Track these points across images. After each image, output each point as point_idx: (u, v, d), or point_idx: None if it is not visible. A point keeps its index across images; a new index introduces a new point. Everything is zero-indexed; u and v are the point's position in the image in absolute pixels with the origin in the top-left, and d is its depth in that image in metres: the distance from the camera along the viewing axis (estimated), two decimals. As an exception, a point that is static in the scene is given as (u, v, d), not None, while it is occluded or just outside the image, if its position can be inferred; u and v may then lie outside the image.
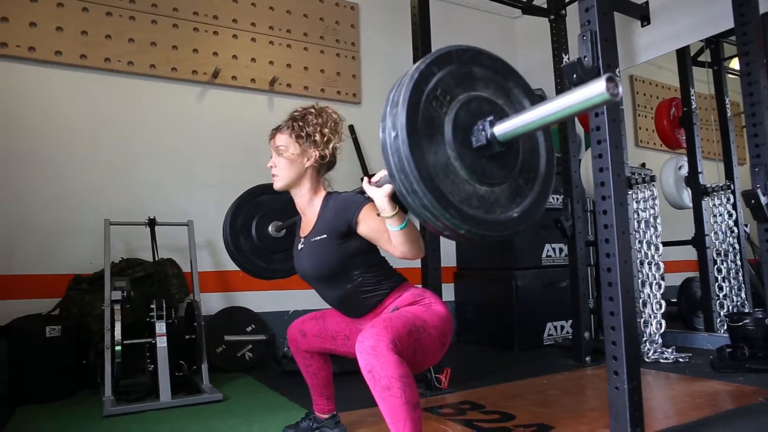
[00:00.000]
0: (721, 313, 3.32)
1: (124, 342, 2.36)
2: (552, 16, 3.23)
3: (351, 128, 3.76)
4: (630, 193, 3.06)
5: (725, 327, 3.03)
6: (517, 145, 1.09)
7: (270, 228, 2.06)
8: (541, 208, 1.12)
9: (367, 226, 1.49)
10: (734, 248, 3.39)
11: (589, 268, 3.29)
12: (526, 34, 4.60)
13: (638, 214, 3.04)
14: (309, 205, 1.68)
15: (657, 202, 3.02)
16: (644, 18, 3.23)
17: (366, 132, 3.84)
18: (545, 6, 3.28)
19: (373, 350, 1.28)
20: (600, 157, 1.66)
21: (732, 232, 3.40)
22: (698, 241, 3.52)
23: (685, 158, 3.60)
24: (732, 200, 3.41)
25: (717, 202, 3.46)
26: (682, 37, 3.11)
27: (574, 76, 1.61)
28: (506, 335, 3.56)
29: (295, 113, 1.67)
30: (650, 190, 3.03)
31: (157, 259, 2.86)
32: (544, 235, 3.67)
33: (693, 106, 3.60)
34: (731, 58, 3.72)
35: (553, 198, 3.64)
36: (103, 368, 2.38)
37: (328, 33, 3.87)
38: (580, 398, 2.36)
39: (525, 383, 2.58)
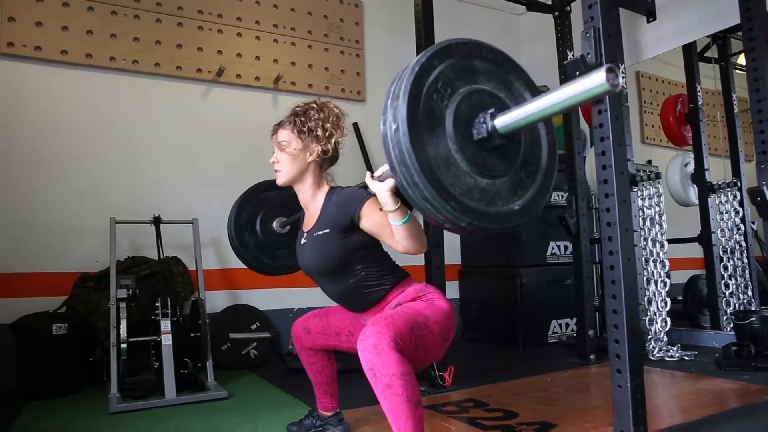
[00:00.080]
0: (727, 311, 3.29)
1: (130, 339, 2.37)
2: (556, 13, 3.22)
3: (355, 126, 3.76)
4: (635, 190, 3.04)
5: (731, 325, 3.01)
6: (518, 137, 1.09)
7: (274, 224, 2.07)
8: (543, 201, 1.11)
9: (369, 220, 1.50)
10: (741, 245, 3.36)
11: (593, 266, 3.27)
12: (531, 31, 4.59)
13: (644, 211, 3.02)
14: (312, 200, 1.68)
15: (662, 199, 3.00)
16: (650, 14, 3.22)
17: (370, 129, 3.84)
18: (549, 2, 3.27)
19: (374, 348, 1.28)
20: (603, 154, 1.65)
21: (738, 229, 3.37)
22: (704, 238, 3.50)
23: (692, 155, 3.58)
24: (739, 197, 3.38)
25: (723, 199, 3.43)
26: (689, 32, 3.10)
27: (577, 73, 1.60)
28: (511, 333, 3.55)
29: (297, 108, 1.68)
30: (656, 187, 3.01)
31: (162, 257, 2.88)
32: (548, 232, 3.65)
33: (699, 103, 3.57)
34: (738, 53, 3.67)
35: (557, 195, 3.63)
36: (109, 365, 2.39)
37: (332, 31, 3.87)
38: (583, 396, 2.35)
39: (529, 381, 2.57)
